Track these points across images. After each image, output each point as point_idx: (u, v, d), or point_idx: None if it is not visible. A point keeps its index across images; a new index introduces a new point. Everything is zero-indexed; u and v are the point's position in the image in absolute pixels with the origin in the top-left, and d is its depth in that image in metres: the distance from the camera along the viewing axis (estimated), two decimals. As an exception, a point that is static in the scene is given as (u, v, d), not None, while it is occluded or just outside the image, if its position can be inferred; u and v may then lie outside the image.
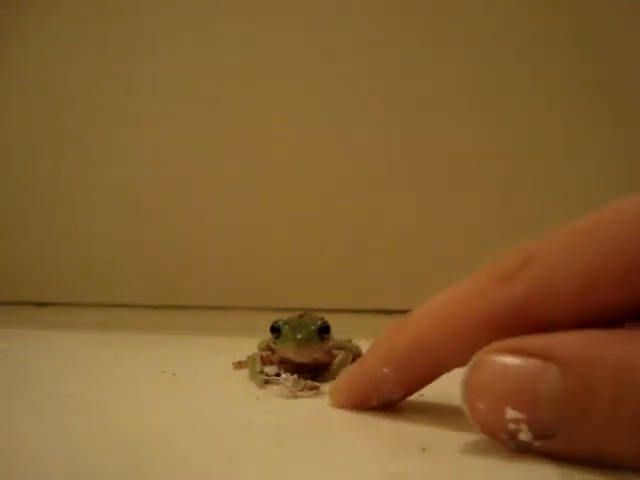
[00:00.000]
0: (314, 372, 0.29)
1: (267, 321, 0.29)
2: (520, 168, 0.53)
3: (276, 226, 0.59)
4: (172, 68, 0.62)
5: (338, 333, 0.30)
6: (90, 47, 0.64)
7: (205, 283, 0.61)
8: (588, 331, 0.17)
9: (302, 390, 0.26)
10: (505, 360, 0.17)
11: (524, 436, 0.17)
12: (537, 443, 0.17)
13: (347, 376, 0.24)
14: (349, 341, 0.32)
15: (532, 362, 0.17)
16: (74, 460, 0.19)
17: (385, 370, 0.21)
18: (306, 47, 0.58)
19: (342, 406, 0.23)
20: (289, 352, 0.28)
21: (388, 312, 0.52)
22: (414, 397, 0.23)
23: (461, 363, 0.19)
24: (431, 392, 0.23)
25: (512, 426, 0.17)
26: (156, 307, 0.62)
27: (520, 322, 0.18)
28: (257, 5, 0.58)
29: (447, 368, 0.21)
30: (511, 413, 0.17)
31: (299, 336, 0.27)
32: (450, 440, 0.19)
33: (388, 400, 0.22)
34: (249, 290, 0.60)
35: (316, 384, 0.26)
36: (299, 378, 0.26)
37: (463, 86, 0.54)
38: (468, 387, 0.18)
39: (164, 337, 0.45)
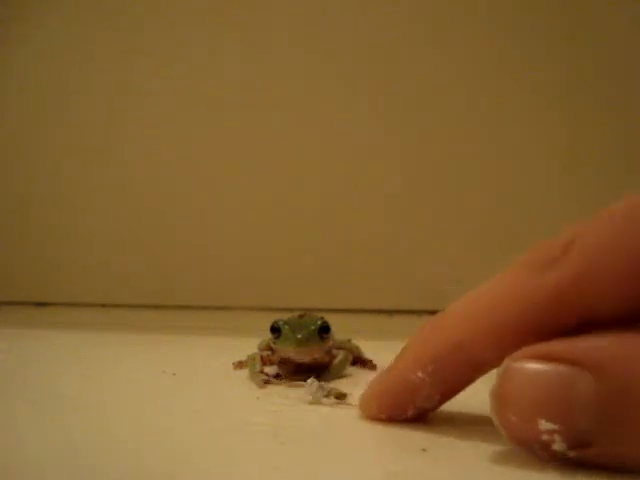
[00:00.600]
0: (314, 372, 0.29)
1: (267, 321, 0.29)
2: (520, 169, 0.53)
3: (276, 226, 0.59)
4: (172, 69, 0.62)
5: (338, 333, 0.30)
6: (90, 48, 0.64)
7: (205, 283, 0.61)
8: (620, 333, 0.16)
9: (327, 396, 0.25)
10: (535, 368, 0.16)
11: (558, 446, 0.16)
12: (572, 453, 0.16)
13: (378, 384, 0.22)
14: (349, 341, 0.32)
15: (563, 369, 0.16)
16: (74, 460, 0.19)
17: (420, 374, 0.20)
18: (306, 48, 0.58)
19: (375, 417, 0.22)
20: (289, 352, 0.28)
21: (388, 312, 0.52)
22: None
23: (500, 362, 0.18)
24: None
25: (546, 437, 0.16)
26: (156, 307, 0.62)
27: (569, 308, 0.17)
28: (257, 5, 0.58)
29: (485, 368, 0.19)
30: (545, 424, 0.16)
31: (299, 336, 0.27)
32: (450, 440, 0.19)
33: (424, 408, 0.21)
34: (249, 290, 0.60)
35: (344, 392, 0.25)
36: (322, 383, 0.25)
37: (463, 86, 0.54)
38: (498, 398, 0.17)
39: (164, 337, 0.45)
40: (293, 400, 0.25)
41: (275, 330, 0.28)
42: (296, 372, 0.29)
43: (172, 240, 0.63)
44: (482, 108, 0.54)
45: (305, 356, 0.28)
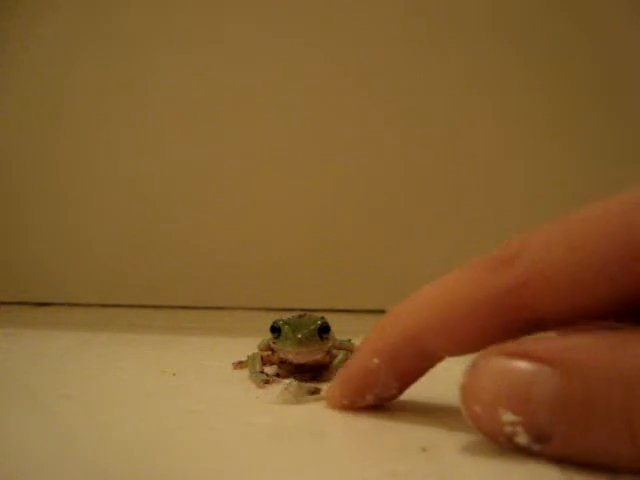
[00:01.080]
0: (314, 372, 0.29)
1: (267, 321, 0.29)
2: (521, 169, 0.53)
3: (276, 226, 0.59)
4: (172, 69, 0.62)
5: (338, 333, 0.30)
6: (90, 49, 0.64)
7: (205, 283, 0.61)
8: (586, 333, 0.17)
9: (306, 394, 0.25)
10: (500, 362, 0.17)
11: (521, 439, 0.17)
12: (535, 446, 0.17)
13: (340, 374, 0.23)
14: (349, 341, 0.32)
15: (527, 364, 0.17)
16: (74, 460, 0.19)
17: (376, 361, 0.21)
18: (306, 48, 0.58)
19: (337, 405, 0.23)
20: (289, 352, 0.28)
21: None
22: (414, 397, 0.23)
23: (451, 354, 0.20)
24: (431, 392, 0.23)
25: (509, 429, 0.17)
26: (156, 307, 0.62)
27: (515, 310, 0.18)
28: (258, 6, 0.58)
29: (437, 359, 0.21)
30: (507, 416, 0.17)
31: (299, 336, 0.27)
32: (450, 440, 0.19)
33: (384, 396, 0.22)
34: (249, 290, 0.60)
35: (317, 387, 0.26)
36: (301, 382, 0.26)
37: (461, 86, 0.54)
38: (465, 390, 0.18)
39: (164, 337, 0.45)
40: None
41: (275, 330, 0.28)
42: (296, 372, 0.29)
43: (172, 240, 0.63)
44: (482, 109, 0.54)
45: (305, 356, 0.28)
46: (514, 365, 0.17)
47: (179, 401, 0.26)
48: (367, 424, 0.22)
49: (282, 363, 0.29)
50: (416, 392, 0.23)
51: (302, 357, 0.28)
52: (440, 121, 0.55)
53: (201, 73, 0.61)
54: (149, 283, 0.63)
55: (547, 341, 0.17)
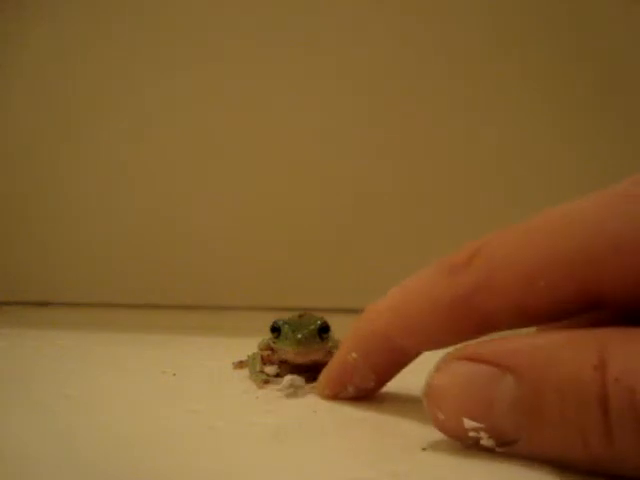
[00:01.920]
0: (313, 372, 0.29)
1: (267, 321, 0.29)
2: (521, 169, 0.53)
3: (276, 226, 0.59)
4: (173, 70, 0.62)
5: (338, 333, 0.30)
6: (90, 50, 0.64)
7: (205, 283, 0.61)
8: (541, 335, 0.17)
9: (307, 389, 0.26)
10: (460, 368, 0.17)
11: (486, 442, 0.17)
12: (500, 449, 0.17)
13: (327, 366, 0.25)
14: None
15: (486, 370, 0.17)
16: (74, 460, 0.19)
17: (354, 355, 0.23)
18: (301, 48, 0.58)
19: (323, 394, 0.25)
20: (289, 352, 0.28)
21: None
22: (414, 397, 0.23)
23: (419, 350, 0.21)
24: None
25: (472, 434, 0.17)
26: (156, 307, 0.62)
27: (467, 314, 0.19)
28: (257, 6, 0.58)
29: (408, 355, 0.22)
30: (468, 423, 0.17)
31: (299, 336, 0.27)
32: (450, 440, 0.19)
33: (365, 388, 0.23)
34: (249, 290, 0.60)
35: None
36: (299, 376, 0.27)
37: (459, 87, 0.54)
38: (427, 396, 0.18)
39: (164, 337, 0.45)
40: (293, 399, 0.25)
41: (275, 330, 0.28)
42: (296, 372, 0.29)
43: (172, 240, 0.63)
44: (480, 109, 0.54)
45: (305, 356, 0.28)
46: (472, 371, 0.17)
47: (179, 401, 0.26)
48: (367, 424, 0.22)
49: (282, 363, 0.29)
50: (416, 392, 0.23)
51: (302, 357, 0.28)
52: (438, 120, 0.55)
53: (201, 73, 0.61)
54: (149, 283, 0.63)
55: (502, 343, 0.17)
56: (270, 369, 0.30)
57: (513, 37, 0.53)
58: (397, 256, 0.55)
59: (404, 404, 0.23)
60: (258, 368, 0.29)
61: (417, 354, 0.22)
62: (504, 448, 0.17)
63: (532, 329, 0.20)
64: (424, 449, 0.19)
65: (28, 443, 0.20)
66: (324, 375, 0.25)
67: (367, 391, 0.24)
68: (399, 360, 0.22)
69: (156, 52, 0.62)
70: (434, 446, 0.19)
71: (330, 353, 0.29)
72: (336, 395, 0.24)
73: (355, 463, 0.18)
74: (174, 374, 0.30)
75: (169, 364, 0.32)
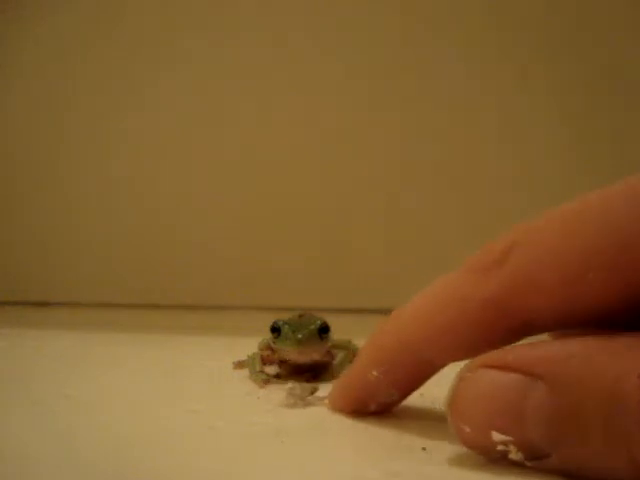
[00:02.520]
0: (314, 372, 0.29)
1: (267, 321, 0.29)
2: (521, 170, 0.53)
3: (276, 226, 0.59)
4: (173, 69, 0.62)
5: (338, 333, 0.30)
6: (90, 48, 0.64)
7: (205, 283, 0.61)
8: (576, 340, 0.16)
9: (309, 395, 0.25)
10: (487, 377, 0.16)
11: (515, 456, 0.16)
12: (529, 463, 0.16)
13: (342, 382, 0.23)
14: (349, 341, 0.32)
15: (515, 378, 0.16)
16: (74, 460, 0.19)
17: (375, 373, 0.21)
18: (304, 47, 0.57)
19: (341, 411, 0.23)
20: (289, 352, 0.28)
21: (388, 312, 0.52)
22: (414, 397, 0.23)
23: (448, 362, 0.19)
24: (432, 392, 0.23)
25: (501, 447, 0.16)
26: (156, 307, 0.62)
27: (503, 316, 0.17)
28: (256, 5, 0.58)
29: (435, 367, 0.20)
30: (497, 436, 0.16)
31: (299, 336, 0.27)
32: (450, 440, 0.19)
33: (387, 403, 0.22)
34: (249, 290, 0.59)
35: (315, 386, 0.26)
36: (302, 383, 0.26)
37: (460, 88, 0.54)
38: (452, 409, 0.17)
39: (164, 337, 0.45)
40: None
41: (275, 330, 0.28)
42: (296, 372, 0.29)
43: (172, 240, 0.63)
44: (483, 109, 0.54)
45: (305, 356, 0.28)
46: (500, 380, 0.16)
47: (179, 401, 0.26)
48: (367, 424, 0.22)
49: (282, 363, 0.29)
50: (416, 392, 0.23)
51: (302, 357, 0.28)
52: (439, 120, 0.55)
53: (202, 73, 0.61)
54: (149, 283, 0.63)
55: (531, 349, 0.16)
56: (270, 369, 0.30)
57: (514, 38, 0.53)
58: (397, 256, 0.55)
59: (405, 404, 0.23)
60: (258, 368, 0.29)
61: (444, 365, 0.20)
62: (535, 462, 0.16)
63: (543, 336, 0.18)
64: (424, 449, 0.19)
65: (28, 443, 0.20)
66: (341, 392, 0.23)
67: (389, 406, 0.22)
68: (424, 373, 0.21)
69: (156, 52, 0.62)
70: (434, 446, 0.19)
71: (329, 353, 0.29)
72: (356, 412, 0.22)
73: (355, 463, 0.18)
74: (174, 374, 0.30)
75: (169, 364, 0.32)
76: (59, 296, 0.67)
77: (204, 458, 0.18)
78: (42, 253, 0.67)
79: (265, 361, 0.30)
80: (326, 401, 0.24)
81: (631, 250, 0.15)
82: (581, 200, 0.17)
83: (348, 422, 0.22)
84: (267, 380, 0.28)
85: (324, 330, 0.28)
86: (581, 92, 0.51)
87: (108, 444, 0.20)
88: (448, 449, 0.18)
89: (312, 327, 0.28)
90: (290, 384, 0.26)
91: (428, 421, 0.21)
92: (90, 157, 0.65)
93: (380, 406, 0.22)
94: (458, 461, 0.18)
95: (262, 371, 0.29)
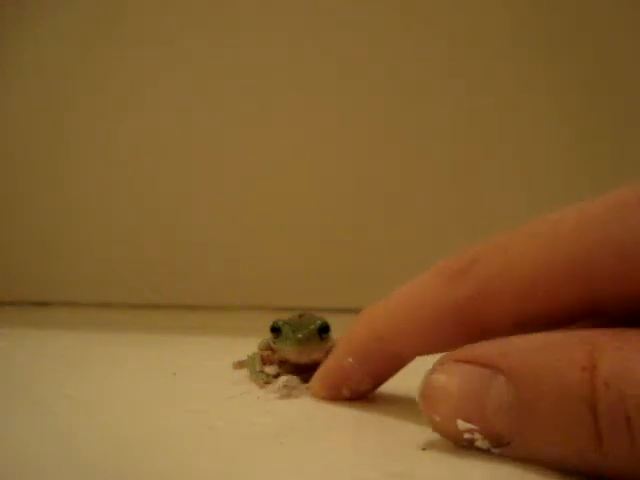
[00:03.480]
0: (313, 372, 0.29)
1: (267, 321, 0.29)
2: (521, 169, 0.53)
3: (276, 226, 0.59)
4: (173, 69, 0.62)
5: (338, 333, 0.30)
6: (89, 47, 0.64)
7: (205, 283, 0.61)
8: (534, 336, 0.17)
9: (302, 389, 0.26)
10: (456, 370, 0.17)
11: (481, 444, 0.17)
12: (495, 450, 0.17)
13: (320, 369, 0.25)
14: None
15: (480, 372, 0.17)
16: (74, 460, 0.19)
17: (350, 360, 0.23)
18: (304, 47, 0.57)
19: (318, 396, 0.25)
20: (289, 352, 0.28)
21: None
22: (414, 397, 0.23)
23: (414, 356, 0.21)
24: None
25: (467, 435, 0.17)
26: (156, 307, 0.62)
27: (465, 321, 0.19)
28: (256, 5, 0.58)
29: (403, 360, 0.22)
30: (463, 424, 0.17)
31: (299, 336, 0.27)
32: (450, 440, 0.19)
33: (360, 390, 0.24)
34: (249, 290, 0.60)
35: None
36: (298, 377, 0.27)
37: (460, 87, 0.54)
38: (423, 398, 0.18)
39: (164, 337, 0.45)
40: (292, 400, 0.25)
41: (275, 330, 0.28)
42: (296, 372, 0.29)
43: (172, 240, 0.63)
44: (482, 110, 0.54)
45: (305, 356, 0.28)
46: (466, 372, 0.17)
47: (179, 401, 0.26)
48: (367, 424, 0.22)
49: (282, 363, 0.29)
50: (415, 392, 0.23)
51: (302, 357, 0.28)
52: (441, 119, 0.55)
53: (201, 72, 0.61)
54: (149, 283, 0.63)
55: (495, 345, 0.17)
56: (270, 369, 0.30)
57: (513, 38, 0.53)
58: (397, 256, 0.56)
59: (404, 404, 0.23)
60: (258, 368, 0.29)
61: (411, 359, 0.22)
62: (499, 449, 0.17)
63: None
64: (424, 449, 0.19)
65: (28, 443, 0.20)
66: (319, 377, 0.25)
67: (362, 393, 0.24)
68: (394, 364, 0.23)
69: (156, 52, 0.62)
70: (434, 446, 0.19)
71: (330, 353, 0.29)
72: (331, 397, 0.24)
73: (355, 463, 0.18)
74: (174, 374, 0.30)
75: (169, 364, 0.32)
76: (59, 296, 0.67)
77: (204, 458, 0.18)
78: (42, 253, 0.67)
79: (265, 361, 0.30)
80: (308, 388, 0.26)
81: (578, 273, 0.17)
82: (545, 218, 0.18)
83: (348, 423, 0.22)
84: (267, 380, 0.28)
85: (324, 330, 0.28)
86: (581, 92, 0.51)
87: (108, 444, 0.20)
88: (448, 449, 0.18)
89: (312, 327, 0.28)
90: (286, 377, 0.27)
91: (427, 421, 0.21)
92: (90, 157, 0.65)
93: (353, 392, 0.24)
94: (458, 461, 0.18)
95: (262, 371, 0.29)
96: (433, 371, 0.18)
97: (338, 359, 0.24)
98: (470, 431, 0.17)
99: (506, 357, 0.17)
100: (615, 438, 0.14)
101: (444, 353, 0.19)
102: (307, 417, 0.23)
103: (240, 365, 0.31)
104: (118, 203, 0.65)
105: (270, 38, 0.58)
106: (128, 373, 0.32)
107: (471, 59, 0.53)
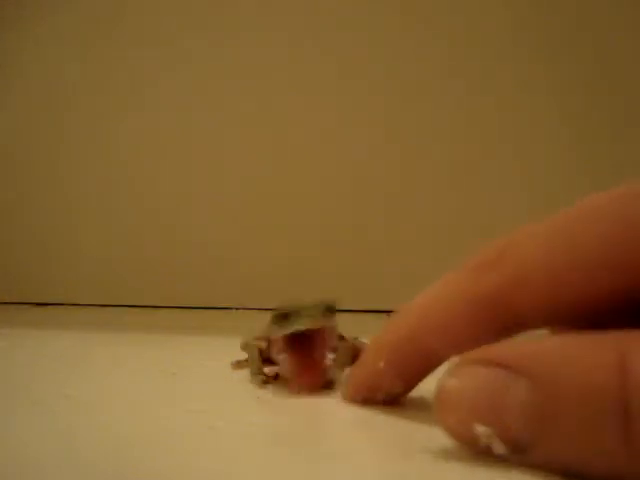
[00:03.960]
0: (308, 370, 0.28)
1: (267, 321, 0.29)
2: (521, 169, 0.53)
3: (276, 226, 0.59)
4: (173, 69, 0.62)
5: (338, 333, 0.30)
6: (89, 47, 0.64)
7: (205, 283, 0.61)
8: (556, 337, 0.17)
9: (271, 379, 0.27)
10: (473, 372, 0.17)
11: (498, 449, 0.16)
12: (514, 457, 0.16)
13: (352, 373, 0.25)
14: (355, 339, 0.31)
15: (499, 374, 0.16)
16: (74, 460, 0.19)
17: (381, 364, 0.22)
18: (305, 46, 0.57)
19: (353, 401, 0.24)
20: (306, 323, 0.27)
21: (389, 312, 0.52)
22: (415, 397, 0.23)
23: (450, 354, 0.20)
24: (432, 391, 0.23)
25: (484, 440, 0.16)
26: (156, 307, 0.62)
27: (497, 312, 0.19)
28: (256, 5, 0.58)
29: (438, 360, 0.21)
30: (480, 428, 0.16)
31: (312, 311, 0.27)
32: (452, 441, 0.19)
33: (392, 393, 0.23)
34: (249, 290, 0.60)
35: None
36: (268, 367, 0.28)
37: (460, 86, 0.54)
38: (438, 401, 0.17)
39: (164, 337, 0.45)
40: (292, 400, 0.25)
41: (282, 317, 0.28)
42: (295, 361, 0.28)
43: (172, 240, 0.63)
44: (482, 109, 0.54)
45: (320, 324, 0.27)
46: (484, 375, 0.16)
47: (179, 401, 0.26)
48: (367, 424, 0.22)
49: (285, 350, 0.29)
50: (417, 391, 0.23)
51: (317, 324, 0.27)
52: (442, 119, 0.55)
53: (201, 72, 0.61)
54: (149, 283, 0.63)
55: (516, 346, 0.17)
56: (270, 369, 0.30)
57: (513, 38, 0.53)
58: (397, 256, 0.56)
59: (405, 405, 0.23)
60: (258, 369, 0.29)
61: (447, 357, 0.21)
62: (518, 456, 0.16)
63: (543, 331, 0.19)
64: (424, 449, 0.19)
65: (28, 443, 0.20)
66: (350, 383, 0.24)
67: (395, 396, 0.23)
68: (428, 364, 0.22)
69: (156, 52, 0.62)
70: (434, 446, 0.19)
71: (334, 343, 0.29)
72: (365, 402, 0.24)
73: (356, 464, 0.18)
74: (174, 374, 0.30)
75: (169, 364, 0.32)
76: (59, 296, 0.67)
77: (204, 458, 0.18)
78: (42, 253, 0.67)
79: (263, 355, 0.30)
80: (339, 393, 0.25)
81: (612, 258, 0.16)
82: (576, 206, 0.18)
83: (348, 423, 0.22)
84: (267, 380, 0.28)
85: (330, 309, 0.28)
86: (581, 92, 0.51)
87: (108, 444, 0.20)
88: (448, 449, 0.18)
89: (318, 304, 0.28)
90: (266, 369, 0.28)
91: (429, 421, 0.21)
92: (90, 157, 0.65)
93: (388, 396, 0.23)
94: (459, 462, 0.18)
95: (261, 372, 0.29)
96: (450, 373, 0.17)
97: (369, 364, 0.23)
98: (487, 436, 0.16)
99: (527, 358, 0.16)
100: None
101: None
102: (307, 417, 0.23)
103: (239, 365, 0.31)
104: (118, 203, 0.65)
105: (270, 38, 0.58)
106: (128, 373, 0.32)
107: (471, 59, 0.53)
